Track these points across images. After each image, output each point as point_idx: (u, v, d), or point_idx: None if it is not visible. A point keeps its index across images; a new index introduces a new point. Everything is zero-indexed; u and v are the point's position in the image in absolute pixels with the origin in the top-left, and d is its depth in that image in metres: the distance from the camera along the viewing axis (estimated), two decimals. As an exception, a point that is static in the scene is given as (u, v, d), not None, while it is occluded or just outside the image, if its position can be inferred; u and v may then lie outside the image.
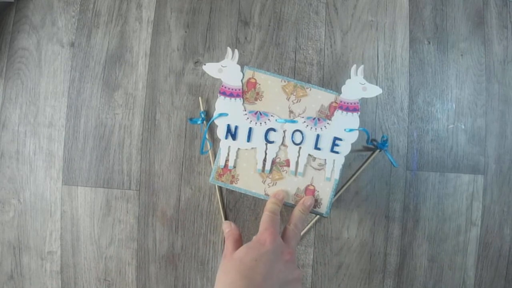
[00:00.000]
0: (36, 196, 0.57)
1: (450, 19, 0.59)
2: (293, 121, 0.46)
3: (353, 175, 0.55)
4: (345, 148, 0.46)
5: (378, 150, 0.55)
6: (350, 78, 0.46)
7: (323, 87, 0.47)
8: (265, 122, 0.47)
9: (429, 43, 0.58)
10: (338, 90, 0.47)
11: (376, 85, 0.57)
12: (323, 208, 0.47)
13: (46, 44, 0.59)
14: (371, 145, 0.56)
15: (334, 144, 0.46)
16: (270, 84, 0.47)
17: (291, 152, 0.47)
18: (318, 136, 0.46)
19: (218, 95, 0.47)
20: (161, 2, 0.59)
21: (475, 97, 0.58)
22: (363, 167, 0.55)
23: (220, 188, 0.55)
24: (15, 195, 0.58)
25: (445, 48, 0.58)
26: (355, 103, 0.46)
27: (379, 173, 0.56)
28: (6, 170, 0.58)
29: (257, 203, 0.56)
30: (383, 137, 0.55)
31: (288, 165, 0.47)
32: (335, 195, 0.48)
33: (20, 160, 0.58)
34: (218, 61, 0.47)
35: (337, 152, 0.46)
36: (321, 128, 0.46)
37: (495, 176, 0.57)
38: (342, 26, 0.58)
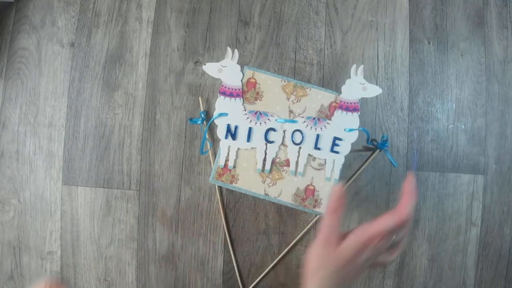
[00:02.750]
0: (36, 196, 0.57)
1: (450, 19, 0.59)
2: (293, 121, 0.46)
3: (353, 175, 0.55)
4: (345, 148, 0.46)
5: (378, 150, 0.55)
6: (350, 78, 0.46)
7: (323, 87, 0.47)
8: (265, 122, 0.47)
9: (429, 43, 0.58)
10: (338, 90, 0.47)
11: (376, 85, 0.57)
12: (323, 209, 0.47)
13: (46, 44, 0.59)
14: (371, 145, 0.56)
15: (334, 144, 0.46)
16: (270, 84, 0.47)
17: (291, 152, 0.47)
18: (318, 136, 0.46)
19: (218, 95, 0.47)
20: (161, 2, 0.59)
21: (475, 97, 0.58)
22: (363, 167, 0.55)
23: (220, 188, 0.55)
24: (15, 195, 0.58)
25: (445, 48, 0.58)
26: (355, 103, 0.46)
27: (379, 173, 0.56)
28: (6, 170, 0.58)
29: (257, 203, 0.56)
30: (383, 137, 0.55)
31: (288, 165, 0.47)
32: None
33: (20, 160, 0.58)
34: (218, 61, 0.48)
35: (337, 152, 0.46)
36: (321, 128, 0.46)
37: (495, 176, 0.57)
38: (342, 26, 0.58)
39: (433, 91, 0.58)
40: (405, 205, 0.36)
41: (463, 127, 0.57)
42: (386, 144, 0.54)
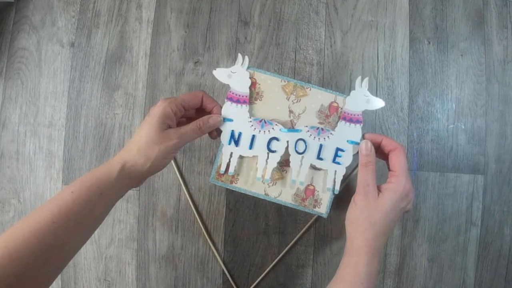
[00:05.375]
0: (36, 196, 0.57)
1: (450, 19, 0.59)
2: (296, 130, 0.46)
3: (351, 173, 0.55)
4: (347, 159, 0.46)
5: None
6: (354, 89, 0.46)
7: (323, 87, 0.47)
8: (268, 131, 0.46)
9: (429, 43, 0.58)
10: (338, 90, 0.47)
11: (376, 85, 0.57)
12: (323, 209, 0.47)
13: (46, 44, 0.59)
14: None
15: (336, 155, 0.46)
16: (270, 84, 0.47)
17: (294, 161, 0.46)
18: (321, 146, 0.46)
19: (225, 100, 0.46)
20: (161, 2, 0.59)
21: (475, 97, 0.58)
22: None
23: (177, 165, 0.55)
24: (15, 195, 0.58)
25: (445, 48, 0.58)
26: (358, 115, 0.46)
27: (379, 173, 0.56)
28: (6, 170, 0.58)
29: (257, 203, 0.56)
30: None
31: (288, 165, 0.47)
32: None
33: (20, 160, 0.58)
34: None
35: (339, 163, 0.46)
36: (324, 138, 0.46)
37: (495, 176, 0.57)
38: (342, 26, 0.58)
39: (433, 91, 0.58)
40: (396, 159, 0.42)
41: (463, 127, 0.57)
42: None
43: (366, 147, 0.43)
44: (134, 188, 0.56)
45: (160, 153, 0.40)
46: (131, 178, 0.40)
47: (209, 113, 0.45)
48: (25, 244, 0.32)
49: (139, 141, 0.40)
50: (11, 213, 0.58)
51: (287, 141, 0.46)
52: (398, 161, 0.42)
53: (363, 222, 0.41)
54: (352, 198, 0.43)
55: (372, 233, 0.40)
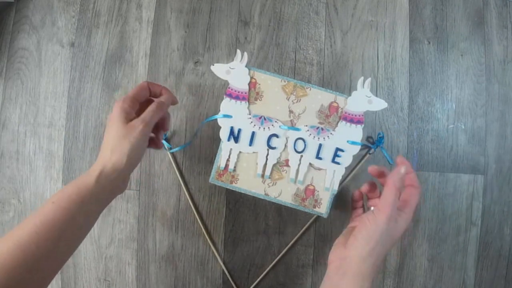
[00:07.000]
0: (36, 196, 0.57)
1: (450, 19, 0.59)
2: (296, 129, 0.46)
3: (349, 174, 0.55)
4: (346, 159, 0.46)
5: (372, 149, 0.54)
6: (356, 90, 0.46)
7: (323, 87, 0.47)
8: (268, 128, 0.46)
9: (429, 43, 0.58)
10: (338, 90, 0.47)
11: (376, 85, 0.57)
12: (323, 209, 0.47)
13: (46, 44, 0.59)
14: (367, 144, 0.56)
15: (335, 155, 0.46)
16: (270, 84, 0.47)
17: (292, 159, 0.46)
18: (320, 145, 0.46)
19: (224, 96, 0.46)
20: (161, 2, 0.59)
21: (475, 97, 0.58)
22: (359, 165, 0.55)
23: (174, 157, 0.55)
24: (15, 195, 0.58)
25: (445, 48, 0.58)
26: (359, 116, 0.46)
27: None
28: (6, 170, 0.58)
29: (257, 203, 0.56)
30: (379, 134, 0.55)
31: (288, 165, 0.47)
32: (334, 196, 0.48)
33: (20, 160, 0.58)
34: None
35: (338, 163, 0.46)
36: (324, 138, 0.46)
37: (495, 176, 0.57)
38: (342, 26, 0.58)
39: (433, 91, 0.58)
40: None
41: (463, 127, 0.57)
42: (382, 141, 0.54)
43: (402, 174, 0.39)
44: (134, 188, 0.56)
45: (131, 144, 0.40)
46: (112, 181, 0.40)
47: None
48: (9, 256, 0.33)
49: (109, 142, 0.40)
50: (11, 213, 0.58)
51: (287, 138, 0.46)
52: (414, 200, 0.39)
53: (374, 249, 0.37)
54: (378, 219, 0.37)
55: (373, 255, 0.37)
